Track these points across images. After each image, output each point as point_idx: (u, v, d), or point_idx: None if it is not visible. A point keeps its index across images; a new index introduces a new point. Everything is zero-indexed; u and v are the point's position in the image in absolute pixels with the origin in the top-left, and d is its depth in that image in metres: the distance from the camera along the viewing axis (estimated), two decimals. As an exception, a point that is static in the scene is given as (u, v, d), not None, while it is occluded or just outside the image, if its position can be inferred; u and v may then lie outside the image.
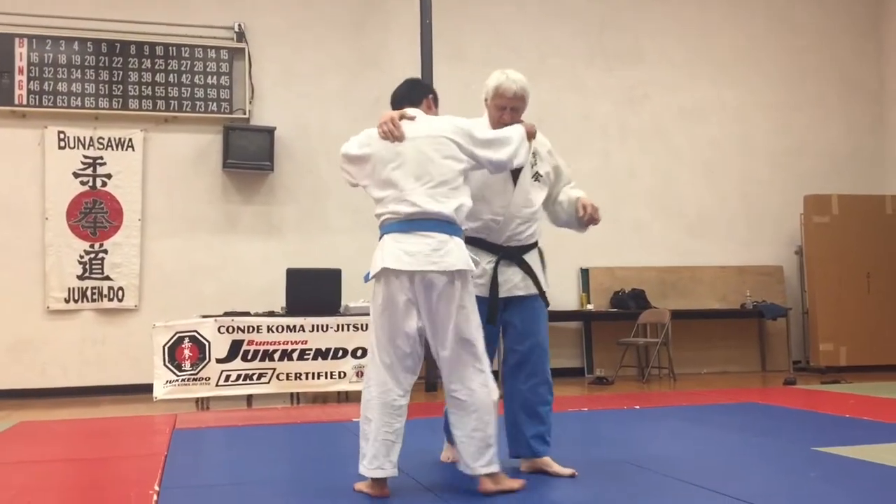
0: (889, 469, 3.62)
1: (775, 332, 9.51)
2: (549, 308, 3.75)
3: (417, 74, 7.68)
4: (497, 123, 3.55)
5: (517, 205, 3.58)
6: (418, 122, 3.32)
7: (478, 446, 3.14)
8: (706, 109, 9.73)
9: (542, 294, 3.69)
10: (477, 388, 3.16)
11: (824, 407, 5.86)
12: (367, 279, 3.33)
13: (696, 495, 3.25)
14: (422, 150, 3.24)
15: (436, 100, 3.56)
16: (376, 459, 3.16)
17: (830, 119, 10.10)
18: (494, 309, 3.51)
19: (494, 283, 3.52)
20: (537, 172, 3.66)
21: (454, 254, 3.16)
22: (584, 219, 3.68)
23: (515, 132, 3.44)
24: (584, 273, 9.11)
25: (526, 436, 3.56)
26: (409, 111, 3.37)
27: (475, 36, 8.97)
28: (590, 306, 8.97)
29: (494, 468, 3.17)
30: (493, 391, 3.19)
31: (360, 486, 3.28)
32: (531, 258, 3.66)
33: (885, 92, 10.27)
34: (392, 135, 3.26)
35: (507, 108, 3.54)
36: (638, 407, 6.13)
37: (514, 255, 3.61)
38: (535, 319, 3.64)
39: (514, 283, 3.59)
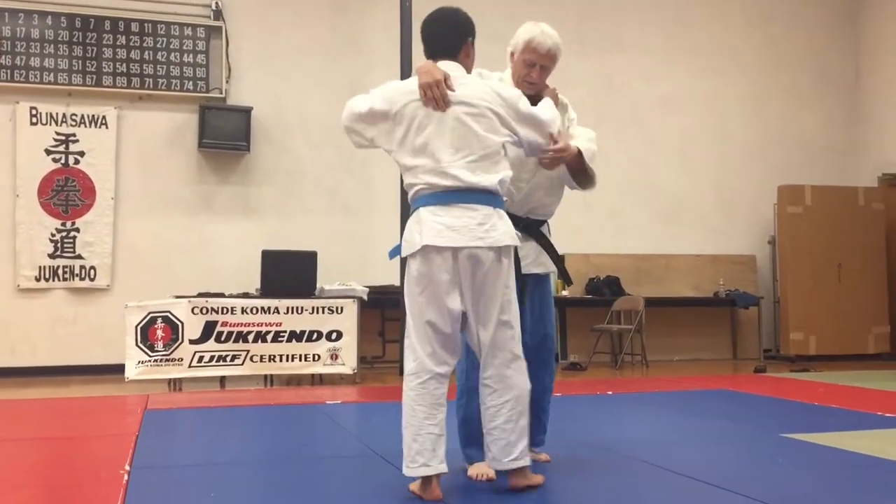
0: (855, 455, 3.67)
1: (747, 320, 9.61)
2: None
3: (397, 58, 7.64)
4: (521, 81, 3.26)
5: (543, 174, 3.30)
6: (458, 85, 2.96)
7: (509, 439, 2.91)
8: (683, 98, 9.77)
9: (563, 272, 3.53)
10: (513, 375, 2.94)
11: (793, 394, 5.94)
12: (392, 255, 3.09)
13: (666, 479, 3.28)
14: (462, 121, 2.92)
15: (473, 42, 3.12)
16: (421, 456, 2.85)
17: (806, 110, 10.18)
18: (523, 288, 3.22)
19: (517, 259, 3.17)
20: None
21: (500, 228, 2.92)
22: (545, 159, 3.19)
23: (553, 111, 3.16)
24: (560, 259, 9.13)
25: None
26: (450, 70, 2.98)
27: (455, 19, 8.92)
28: (564, 292, 8.99)
29: (526, 461, 2.96)
30: (527, 379, 2.99)
31: (414, 485, 2.96)
32: (544, 232, 3.43)
33: (859, 85, 10.37)
34: (438, 103, 2.91)
35: (536, 64, 3.24)
36: (611, 392, 6.18)
37: (531, 228, 3.37)
38: (547, 305, 3.44)
39: (531, 258, 3.34)
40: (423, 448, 2.85)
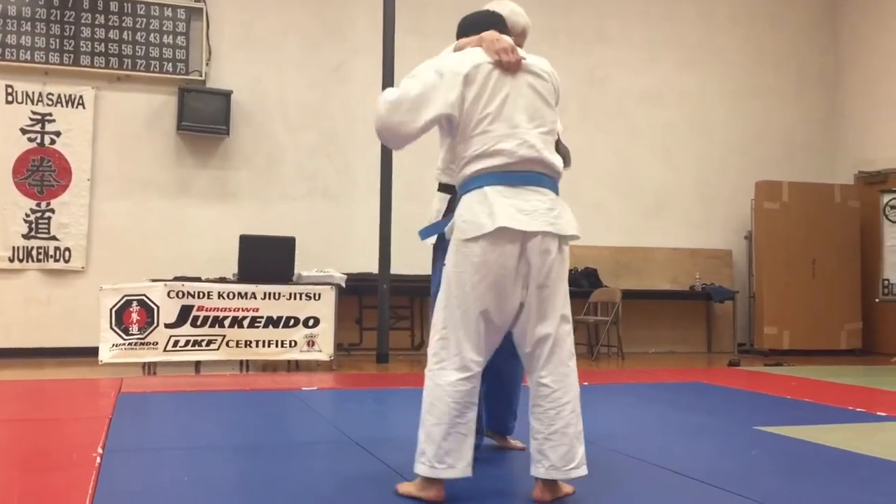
0: (826, 448, 3.72)
1: (722, 314, 9.70)
2: None
3: (379, 45, 7.60)
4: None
5: None
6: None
7: (571, 445, 2.63)
8: (666, 92, 9.81)
9: None
10: (571, 374, 2.69)
11: (766, 388, 5.99)
12: (425, 236, 2.86)
13: (640, 469, 3.30)
14: (535, 88, 2.77)
15: None
16: (449, 456, 2.60)
17: (786, 107, 10.27)
18: None
19: None
20: None
21: (565, 216, 2.71)
22: None
23: None
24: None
25: (498, 412, 3.45)
26: None
27: (438, 9, 8.87)
28: (543, 283, 9.02)
29: (585, 469, 2.68)
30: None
31: (408, 487, 2.73)
32: None
33: (839, 83, 10.46)
34: (513, 65, 2.73)
35: None
36: (586, 384, 6.18)
37: None
38: None
39: None
40: (452, 448, 2.61)
